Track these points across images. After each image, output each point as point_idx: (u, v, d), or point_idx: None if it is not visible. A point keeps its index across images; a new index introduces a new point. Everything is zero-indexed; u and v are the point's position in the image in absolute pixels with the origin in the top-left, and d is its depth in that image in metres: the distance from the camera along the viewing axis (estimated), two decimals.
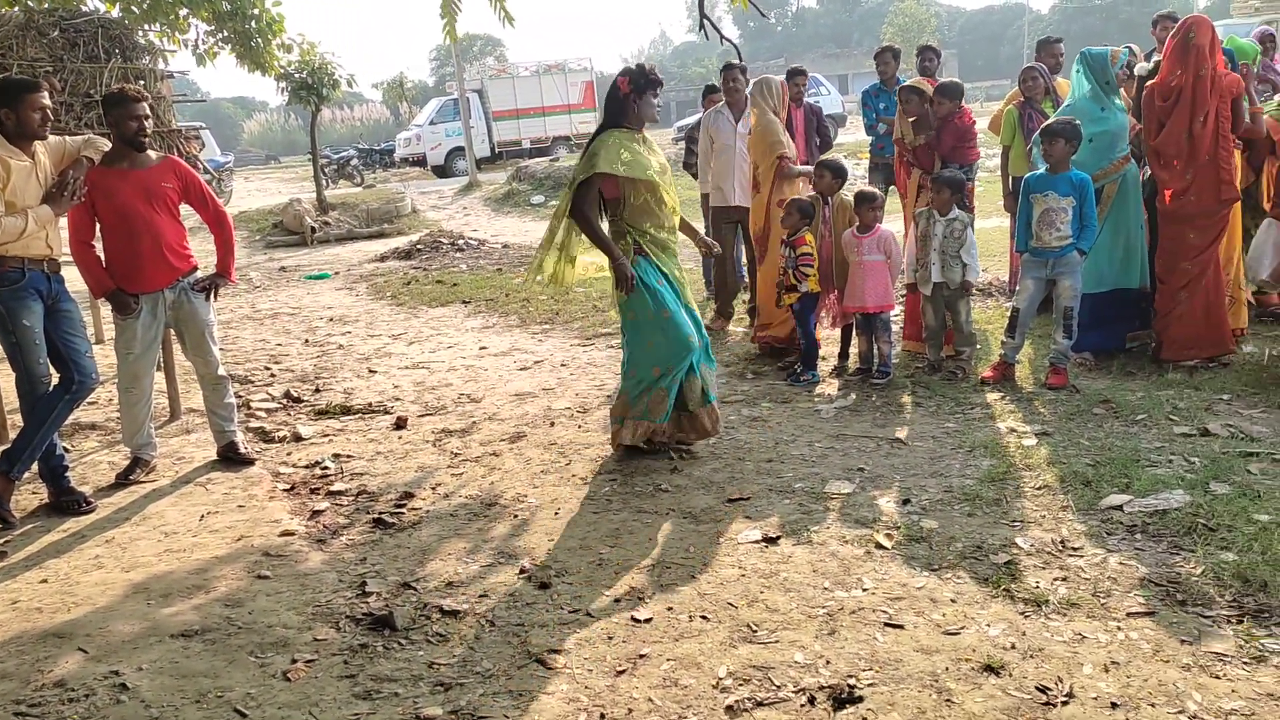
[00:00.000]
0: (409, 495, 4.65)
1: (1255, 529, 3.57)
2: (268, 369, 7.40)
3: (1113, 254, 5.81)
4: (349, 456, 5.29)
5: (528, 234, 15.40)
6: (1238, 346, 5.84)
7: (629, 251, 4.64)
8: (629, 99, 4.63)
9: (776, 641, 3.13)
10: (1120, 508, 3.89)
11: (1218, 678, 2.77)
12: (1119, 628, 3.06)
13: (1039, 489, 4.18)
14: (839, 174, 6.19)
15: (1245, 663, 2.83)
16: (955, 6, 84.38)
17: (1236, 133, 5.51)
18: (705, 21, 4.40)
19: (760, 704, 2.80)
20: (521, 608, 3.48)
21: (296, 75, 16.06)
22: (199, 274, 5.11)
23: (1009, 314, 5.77)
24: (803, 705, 2.78)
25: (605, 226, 4.71)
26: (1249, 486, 3.95)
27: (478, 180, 22.62)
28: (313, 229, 15.98)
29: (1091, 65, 5.84)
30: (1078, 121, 5.47)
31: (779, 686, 2.88)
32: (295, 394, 6.56)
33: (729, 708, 2.79)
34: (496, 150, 28.82)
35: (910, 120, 6.43)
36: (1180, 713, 2.62)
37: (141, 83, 6.22)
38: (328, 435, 5.70)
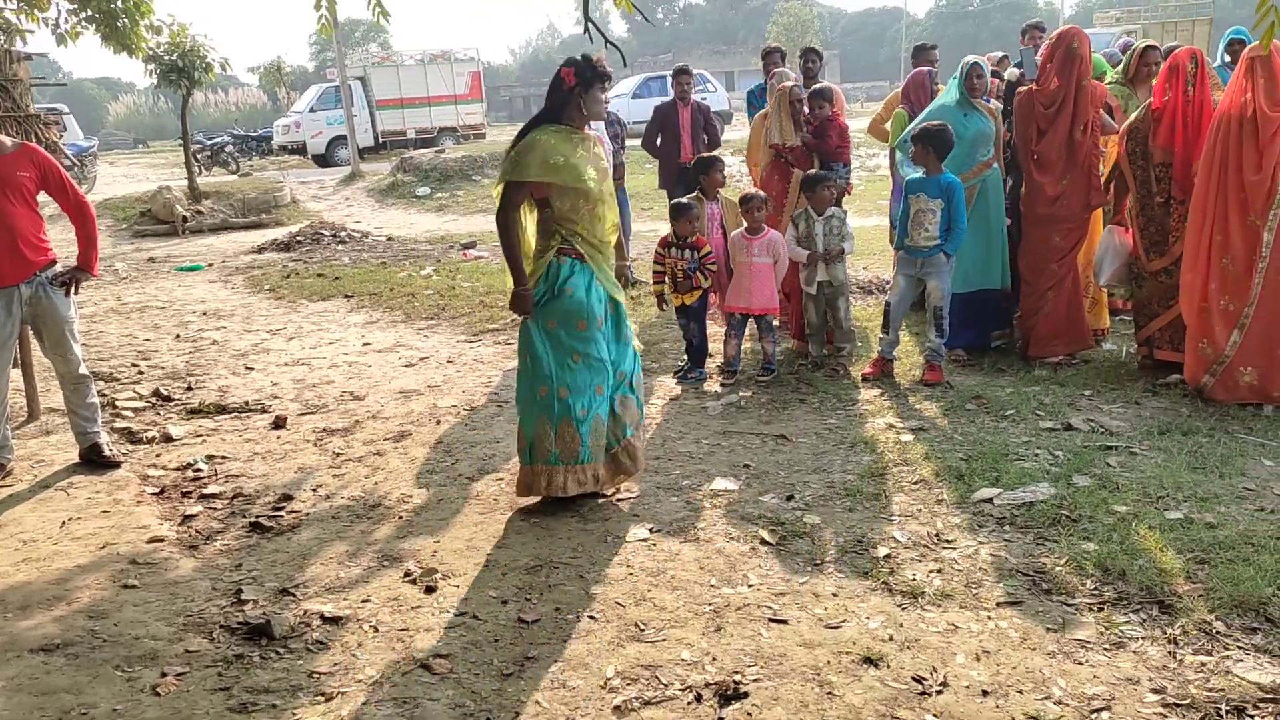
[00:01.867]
0: (288, 497, 4.51)
1: (1114, 520, 3.77)
2: (135, 366, 7.07)
3: (975, 256, 6.01)
4: (224, 458, 5.10)
5: (413, 226, 15.12)
6: (1098, 344, 6.15)
7: (552, 248, 4.11)
8: (574, 93, 4.11)
9: (664, 640, 3.15)
10: (991, 500, 4.05)
11: (1080, 664, 2.91)
12: (989, 617, 3.19)
13: (915, 483, 4.32)
14: (723, 171, 6.27)
15: (1105, 649, 2.98)
16: (836, 8, 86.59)
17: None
18: (589, 23, 4.33)
19: (648, 703, 2.82)
20: (406, 612, 3.41)
21: (166, 58, 15.34)
22: (58, 267, 4.84)
23: (883, 310, 5.94)
24: (689, 703, 2.81)
25: (533, 221, 4.23)
26: (1108, 479, 4.17)
27: (360, 170, 22.06)
28: (184, 218, 15.32)
29: (961, 73, 6.08)
30: (948, 126, 5.66)
31: (666, 685, 2.90)
32: (165, 392, 6.29)
33: (616, 708, 2.80)
34: (380, 140, 28.16)
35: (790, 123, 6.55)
36: (1046, 698, 2.75)
37: None
38: (200, 435, 5.47)
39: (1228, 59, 7.78)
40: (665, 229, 6.27)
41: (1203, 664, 2.87)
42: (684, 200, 5.98)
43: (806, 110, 6.60)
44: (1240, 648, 2.93)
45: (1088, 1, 67.31)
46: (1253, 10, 3.31)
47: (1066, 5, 61.85)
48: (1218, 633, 3.01)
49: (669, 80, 9.42)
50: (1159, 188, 5.36)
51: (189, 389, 6.41)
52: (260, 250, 12.87)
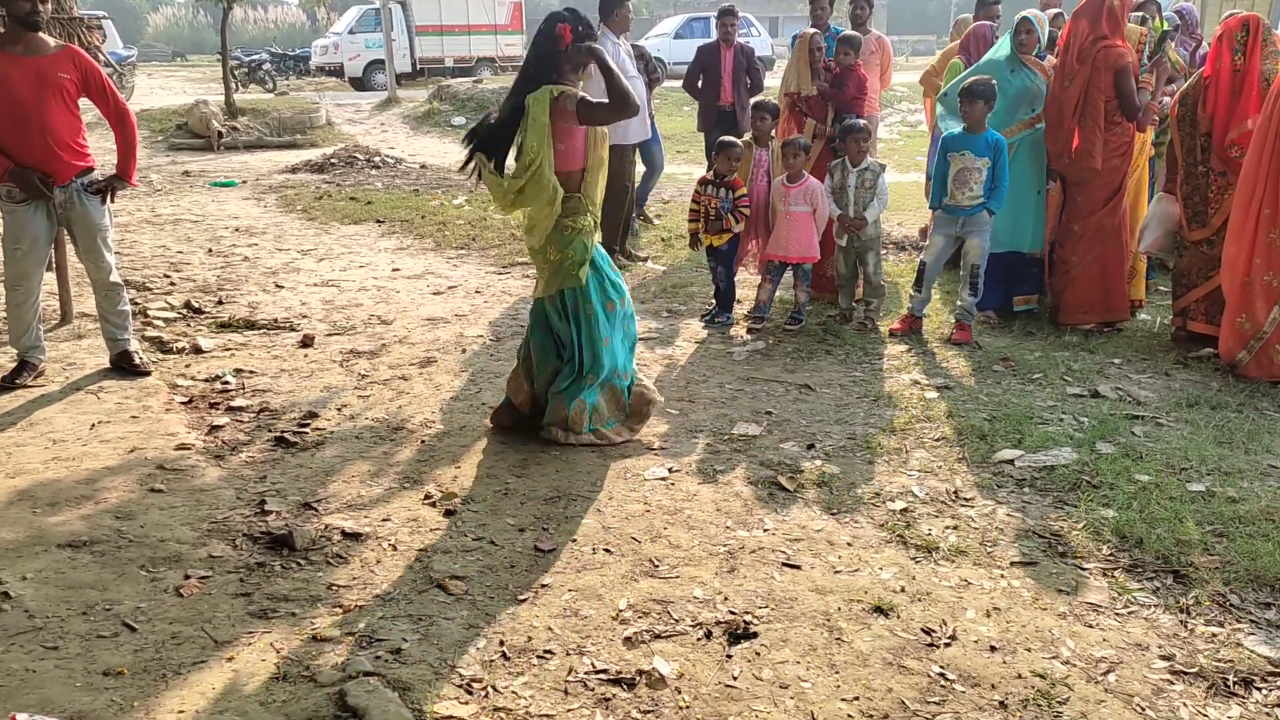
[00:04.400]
0: (313, 415, 4.56)
1: (1135, 488, 3.75)
2: (167, 277, 7.12)
3: (1005, 216, 5.88)
4: (251, 372, 5.15)
5: (446, 155, 15.04)
6: (1133, 315, 6.06)
7: (592, 231, 4.11)
8: (570, 51, 3.96)
9: (677, 577, 3.18)
10: (1012, 462, 4.04)
11: (1091, 626, 2.92)
12: (1002, 576, 3.20)
13: (937, 440, 4.31)
14: (777, 116, 6.19)
15: (1117, 614, 2.99)
16: None
17: (1129, 114, 5.55)
18: None
19: (658, 636, 2.86)
20: (425, 533, 3.46)
21: None
22: (96, 174, 4.86)
23: (917, 268, 5.88)
24: (699, 639, 2.85)
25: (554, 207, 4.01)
26: (1132, 448, 4.14)
27: (397, 96, 21.96)
28: (220, 133, 15.33)
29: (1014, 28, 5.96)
30: (994, 81, 5.55)
31: (677, 620, 2.94)
32: (196, 304, 6.34)
33: (627, 639, 2.84)
34: (418, 66, 27.92)
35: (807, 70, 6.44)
36: (1054, 658, 2.76)
37: None
38: (229, 349, 5.53)
39: None
40: (699, 172, 6.22)
41: (1213, 635, 2.87)
42: (730, 138, 5.92)
43: (830, 58, 6.49)
44: (1253, 621, 2.93)
45: None
46: None
47: None
48: (1231, 605, 3.01)
49: (713, 21, 9.23)
50: (1203, 156, 5.25)
51: (219, 303, 6.46)
52: (294, 170, 12.88)
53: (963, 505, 3.70)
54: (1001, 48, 6.07)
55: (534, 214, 4.07)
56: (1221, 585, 3.09)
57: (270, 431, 4.37)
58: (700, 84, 8.66)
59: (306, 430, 4.39)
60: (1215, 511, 3.54)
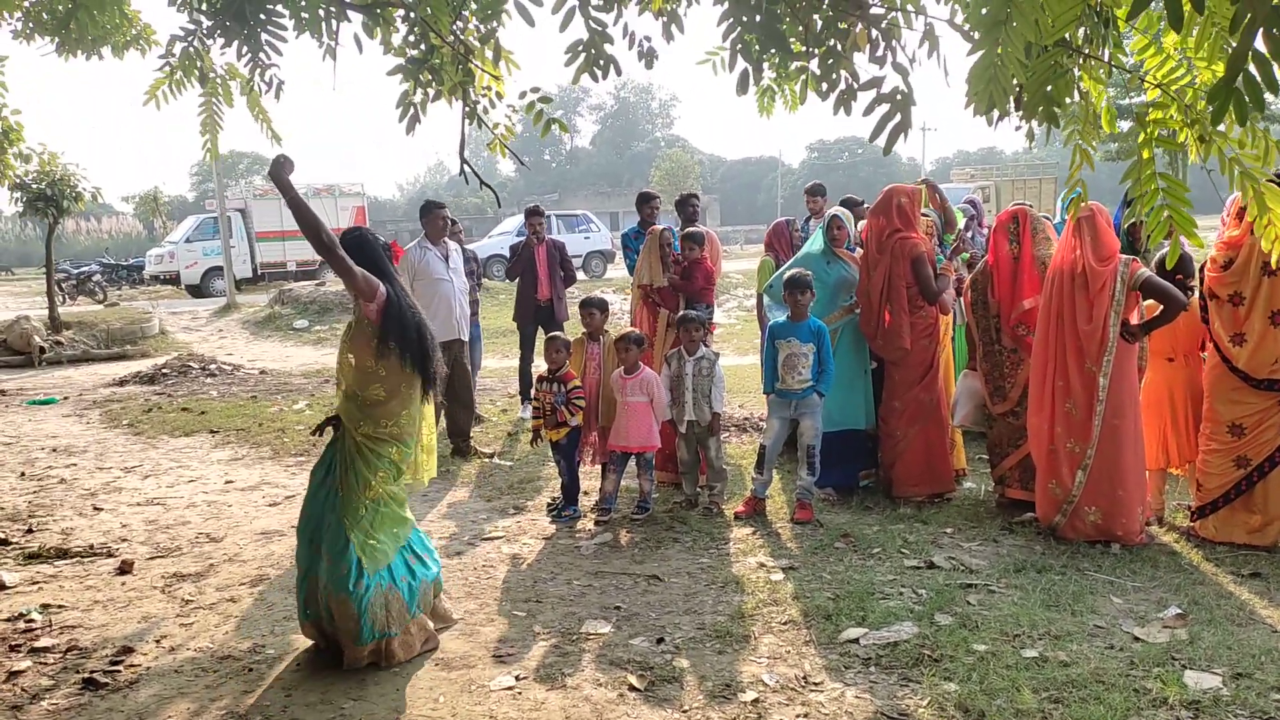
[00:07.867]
0: (128, 650, 4.21)
1: (974, 659, 3.83)
2: None
3: (836, 397, 6.16)
4: (60, 607, 4.75)
5: (288, 359, 14.81)
6: (958, 483, 6.37)
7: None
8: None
9: None
10: (857, 640, 4.08)
11: None
12: None
13: (785, 624, 4.32)
14: (606, 311, 6.39)
15: None
16: (717, 155, 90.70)
17: (928, 299, 5.99)
18: (465, 165, 4.43)
19: None
20: None
21: (33, 186, 14.98)
22: None
23: (758, 450, 6.05)
24: None
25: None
26: (968, 617, 4.25)
27: (236, 302, 21.67)
28: (42, 349, 14.69)
29: (824, 224, 6.44)
30: (810, 274, 5.94)
31: None
32: (3, 535, 5.87)
33: None
34: (259, 272, 27.75)
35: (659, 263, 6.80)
36: None
37: None
38: (37, 583, 5.11)
39: (1067, 216, 8.41)
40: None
41: None
42: (557, 333, 6.09)
43: (677, 251, 6.87)
44: None
45: (946, 158, 72.46)
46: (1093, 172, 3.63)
47: (926, 161, 66.41)
48: None
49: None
50: (997, 336, 5.73)
51: (29, 531, 6.01)
52: (122, 383, 12.38)
53: (813, 690, 3.69)
54: (815, 242, 6.53)
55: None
56: None
57: (78, 673, 4.00)
58: (519, 280, 9.07)
59: (119, 668, 4.04)
60: (1049, 677, 3.64)
